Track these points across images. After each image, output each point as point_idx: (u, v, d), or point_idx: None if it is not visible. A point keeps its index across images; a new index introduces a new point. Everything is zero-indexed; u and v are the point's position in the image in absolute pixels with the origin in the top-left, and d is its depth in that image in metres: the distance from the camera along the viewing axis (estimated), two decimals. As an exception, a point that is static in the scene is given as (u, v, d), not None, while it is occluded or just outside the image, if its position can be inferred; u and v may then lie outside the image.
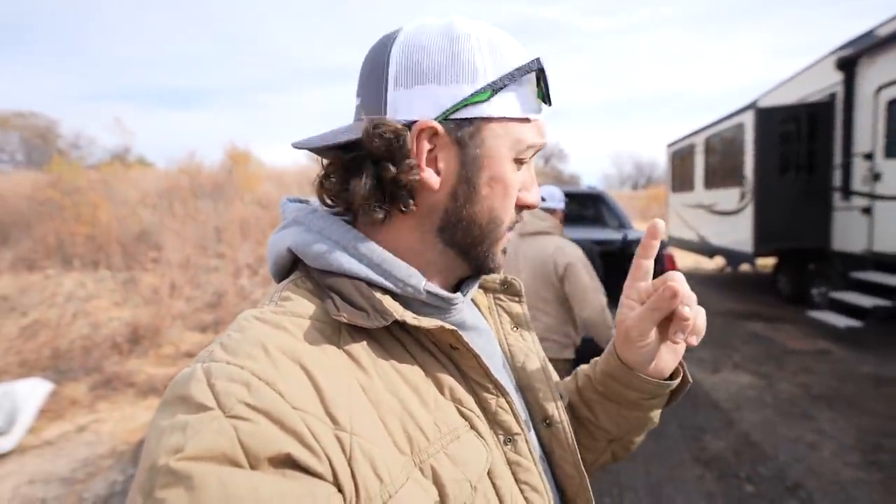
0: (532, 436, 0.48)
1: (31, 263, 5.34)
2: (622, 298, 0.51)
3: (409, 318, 0.40)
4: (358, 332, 0.40)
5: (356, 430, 0.34)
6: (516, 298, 0.57)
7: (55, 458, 2.77)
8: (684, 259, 9.49)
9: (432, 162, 0.42)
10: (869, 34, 4.81)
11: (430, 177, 0.42)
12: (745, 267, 7.56)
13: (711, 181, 7.24)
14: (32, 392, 3.18)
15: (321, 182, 0.45)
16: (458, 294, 0.47)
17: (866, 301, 4.54)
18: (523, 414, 0.48)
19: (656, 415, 0.55)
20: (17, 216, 6.20)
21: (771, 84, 6.83)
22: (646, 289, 0.49)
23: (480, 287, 0.56)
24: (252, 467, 0.30)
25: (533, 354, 0.55)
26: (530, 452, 0.44)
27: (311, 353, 0.36)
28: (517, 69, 0.42)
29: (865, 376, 3.75)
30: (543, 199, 2.22)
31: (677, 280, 0.46)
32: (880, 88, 4.66)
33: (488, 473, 0.40)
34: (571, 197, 4.94)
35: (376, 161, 0.41)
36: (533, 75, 0.43)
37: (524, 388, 0.52)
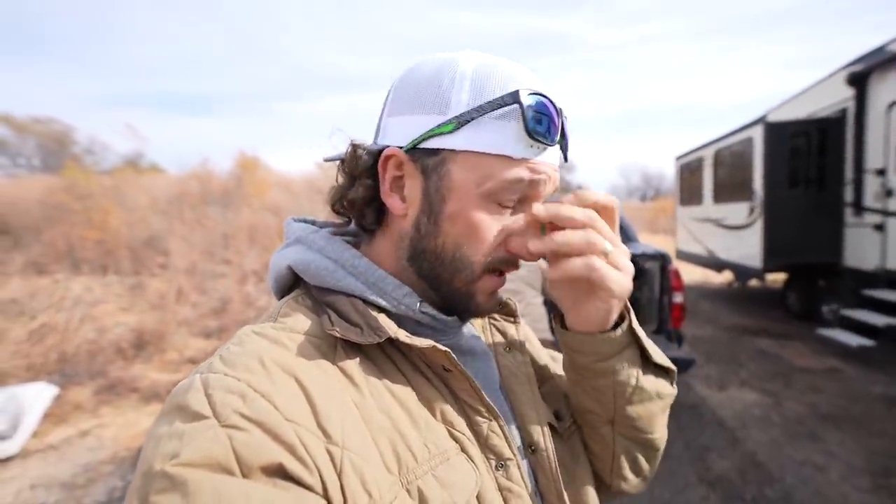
0: (525, 462, 0.47)
1: (41, 267, 5.42)
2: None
3: (403, 336, 0.41)
4: (353, 350, 0.41)
5: (347, 445, 0.34)
6: (511, 319, 0.56)
7: (58, 462, 2.79)
8: (693, 273, 9.38)
9: (399, 189, 0.44)
10: (881, 49, 4.78)
11: (395, 202, 0.44)
12: (754, 282, 7.45)
13: (720, 195, 7.18)
14: (38, 396, 3.22)
15: (331, 192, 0.49)
16: (454, 318, 0.47)
17: (879, 319, 4.44)
18: (517, 440, 0.47)
19: (628, 376, 0.48)
20: (29, 220, 6.32)
21: (780, 97, 6.80)
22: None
23: None
24: (245, 475, 0.30)
25: (523, 377, 0.53)
26: (523, 479, 0.44)
27: (306, 368, 0.37)
28: (488, 102, 0.40)
29: (877, 397, 3.66)
30: None
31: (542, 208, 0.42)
32: (892, 104, 4.61)
33: (477, 498, 0.40)
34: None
35: (351, 176, 0.46)
36: (516, 110, 0.39)
37: (514, 412, 0.51)
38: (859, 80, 4.98)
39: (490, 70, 0.41)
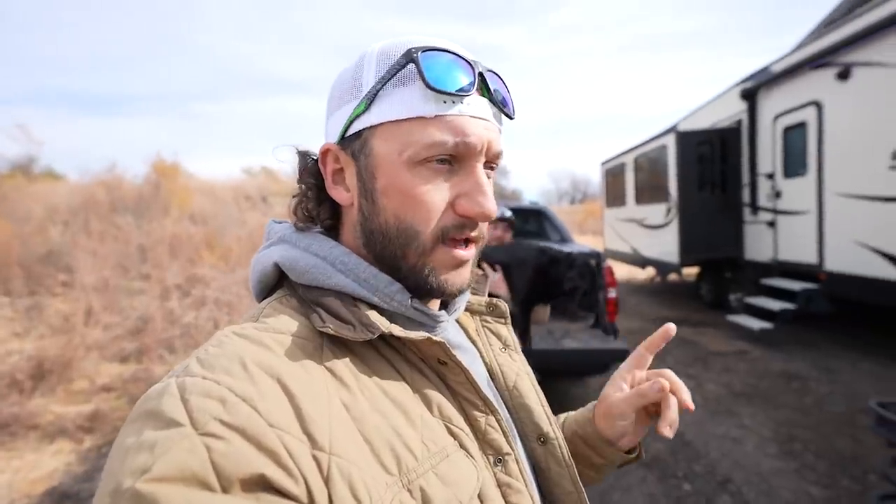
0: (523, 456, 0.47)
1: None
2: (615, 377, 0.58)
3: (397, 330, 0.40)
4: (341, 350, 0.39)
5: (335, 449, 0.32)
6: (502, 320, 0.58)
7: (-68, 522, 2.34)
8: (620, 269, 10.09)
9: (342, 180, 0.46)
10: (766, 69, 5.48)
11: (340, 194, 0.46)
12: (673, 276, 8.18)
13: (641, 197, 7.81)
14: None
15: (292, 200, 0.50)
16: (443, 312, 0.47)
17: (775, 305, 5.07)
18: (513, 434, 0.48)
19: (601, 476, 0.61)
20: None
21: (689, 109, 7.55)
22: (640, 377, 0.56)
23: (467, 310, 0.57)
24: (223, 490, 0.28)
25: (524, 375, 0.55)
26: (521, 474, 0.43)
27: (290, 369, 0.35)
28: (387, 70, 0.40)
29: (778, 373, 4.16)
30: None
31: (671, 378, 0.53)
32: (777, 117, 5.31)
33: (478, 495, 0.39)
34: (515, 212, 5.14)
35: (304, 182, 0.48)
36: (413, 70, 0.40)
37: (517, 407, 0.52)
38: (750, 95, 5.69)
39: (393, 45, 0.42)
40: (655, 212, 7.04)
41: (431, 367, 0.43)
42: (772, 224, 5.48)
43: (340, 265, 0.43)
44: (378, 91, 0.40)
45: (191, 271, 5.98)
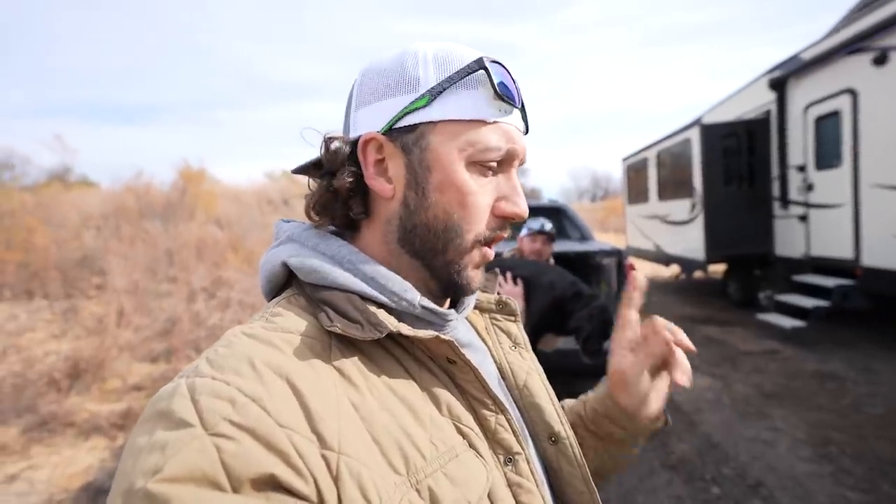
0: (533, 455, 0.47)
1: (-46, 295, 4.83)
2: (613, 348, 0.56)
3: (405, 329, 0.40)
4: (349, 349, 0.39)
5: (344, 448, 0.33)
6: (512, 318, 0.58)
7: (-21, 513, 2.47)
8: (643, 267, 9.89)
9: (383, 172, 0.44)
10: (795, 58, 5.27)
11: (381, 185, 0.44)
12: (698, 273, 7.96)
13: (664, 193, 7.61)
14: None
15: (307, 199, 0.48)
16: (452, 310, 0.47)
17: (807, 302, 4.86)
18: (523, 433, 0.47)
19: (635, 451, 0.59)
20: (-62, 243, 5.63)
21: (710, 103, 7.33)
22: (633, 337, 0.55)
23: (476, 308, 0.57)
24: (234, 490, 0.29)
25: (535, 373, 0.55)
26: (532, 474, 0.43)
27: (299, 369, 0.35)
28: (457, 71, 0.42)
29: (811, 373, 3.99)
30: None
31: (667, 327, 0.52)
32: (808, 106, 5.09)
33: (488, 496, 0.39)
34: (534, 211, 5.09)
35: (330, 173, 0.45)
36: (482, 76, 0.43)
37: (528, 406, 0.52)
38: (779, 85, 5.48)
39: (447, 49, 0.45)
40: (679, 208, 6.86)
41: (440, 366, 0.43)
42: (804, 218, 5.26)
43: (348, 264, 0.43)
44: (444, 89, 0.42)
45: (216, 274, 6.15)
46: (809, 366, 4.16)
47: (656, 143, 7.84)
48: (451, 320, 0.47)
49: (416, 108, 0.42)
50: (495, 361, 0.54)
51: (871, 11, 4.21)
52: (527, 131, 0.48)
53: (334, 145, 0.44)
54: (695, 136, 6.18)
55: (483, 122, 0.42)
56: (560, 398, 0.58)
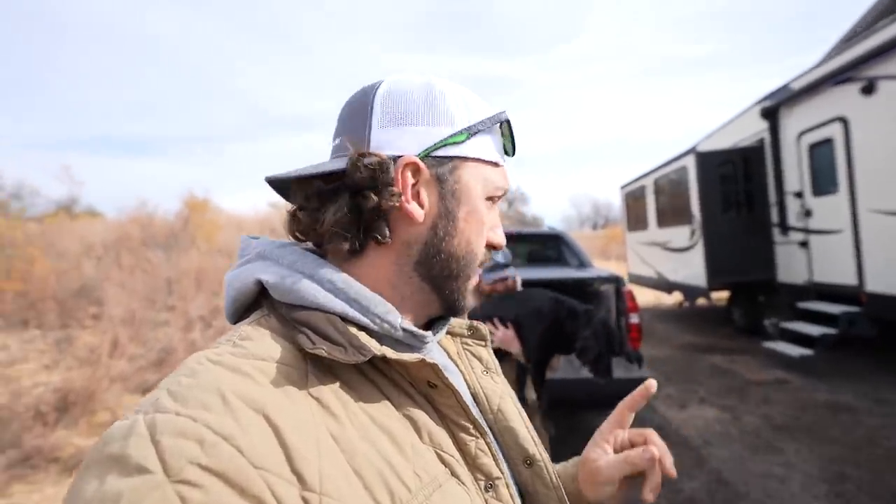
0: (510, 480, 0.46)
1: (-51, 326, 4.79)
2: (596, 438, 0.56)
3: (390, 353, 0.39)
4: (327, 375, 0.37)
5: (325, 488, 0.30)
6: (482, 343, 0.57)
7: (-50, 557, 2.34)
8: (645, 295, 9.78)
9: (415, 196, 0.44)
10: (785, 87, 5.38)
11: (415, 209, 0.44)
12: (701, 301, 7.86)
13: (663, 220, 7.63)
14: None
15: (293, 214, 0.45)
16: (430, 332, 0.47)
17: (814, 330, 4.75)
18: (500, 457, 0.47)
19: None
20: (-62, 273, 5.63)
21: (706, 131, 7.45)
22: (622, 440, 0.55)
23: (448, 332, 0.57)
24: None
25: (507, 397, 0.54)
26: (511, 498, 0.43)
27: (275, 401, 0.32)
28: (489, 117, 0.47)
29: (822, 404, 3.85)
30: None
31: (657, 443, 0.52)
32: (801, 134, 5.16)
33: None
34: (533, 238, 5.08)
35: (357, 191, 0.42)
36: (505, 127, 0.49)
37: (502, 430, 0.51)
38: (771, 113, 5.57)
39: (470, 93, 0.49)
40: (679, 234, 6.85)
41: (419, 391, 0.42)
42: (804, 244, 5.23)
43: (329, 284, 0.41)
44: (479, 131, 0.46)
45: (214, 303, 6.10)
46: (820, 396, 4.03)
47: (653, 170, 7.92)
48: (427, 342, 0.46)
49: (454, 143, 0.44)
50: (468, 386, 0.53)
51: (858, 42, 4.32)
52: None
53: (370, 161, 0.41)
54: (691, 163, 6.24)
55: (496, 164, 0.48)
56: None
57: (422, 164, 0.43)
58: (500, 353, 1.97)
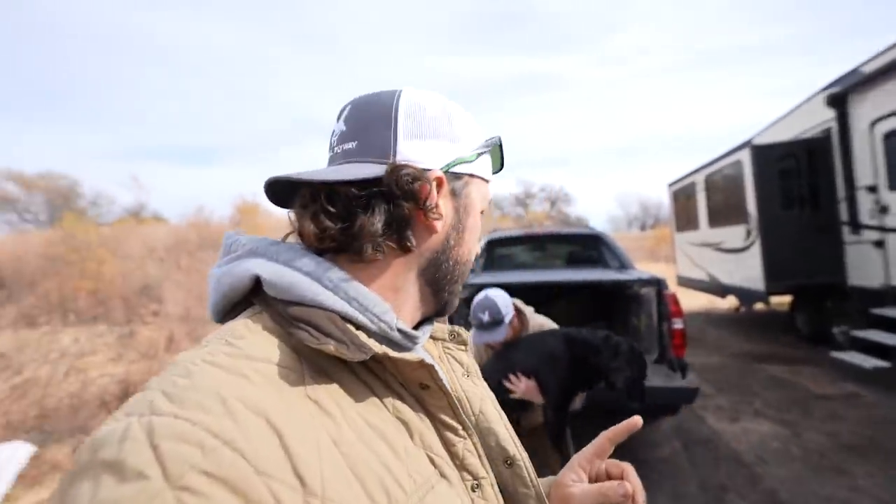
0: (494, 479, 0.47)
1: (32, 320, 5.35)
2: (573, 463, 0.57)
3: (391, 352, 0.39)
4: (322, 377, 0.37)
5: (328, 493, 0.30)
6: (463, 347, 0.58)
7: (26, 529, 2.60)
8: (697, 299, 9.22)
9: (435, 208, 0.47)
10: (855, 71, 4.89)
11: (436, 220, 0.46)
12: (759, 305, 7.29)
13: (715, 219, 7.16)
14: (12, 456, 3.05)
15: (316, 217, 0.42)
16: (420, 332, 0.48)
17: (891, 339, 4.27)
18: (485, 457, 0.48)
19: None
20: (26, 274, 6.31)
21: (762, 123, 6.92)
22: (598, 470, 0.56)
23: (430, 337, 0.57)
24: None
25: (488, 399, 0.56)
26: (495, 497, 0.44)
27: (276, 404, 0.31)
28: (491, 139, 0.52)
29: (900, 422, 3.45)
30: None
31: (632, 479, 0.53)
32: (874, 122, 4.66)
33: None
34: (572, 238, 4.92)
35: (391, 200, 0.43)
36: (497, 150, 0.53)
37: (484, 431, 0.53)
38: (838, 101, 5.08)
39: (460, 109, 0.50)
40: (733, 234, 6.39)
41: (410, 392, 0.42)
42: (880, 244, 4.71)
43: (328, 282, 0.40)
44: (484, 152, 0.50)
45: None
46: (897, 413, 3.61)
47: (704, 166, 7.46)
48: (418, 343, 0.47)
49: (467, 161, 0.48)
50: (451, 388, 0.53)
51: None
52: None
53: (408, 172, 0.43)
54: (746, 157, 5.81)
55: (487, 182, 0.52)
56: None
57: (445, 179, 0.46)
58: (524, 404, 1.90)
